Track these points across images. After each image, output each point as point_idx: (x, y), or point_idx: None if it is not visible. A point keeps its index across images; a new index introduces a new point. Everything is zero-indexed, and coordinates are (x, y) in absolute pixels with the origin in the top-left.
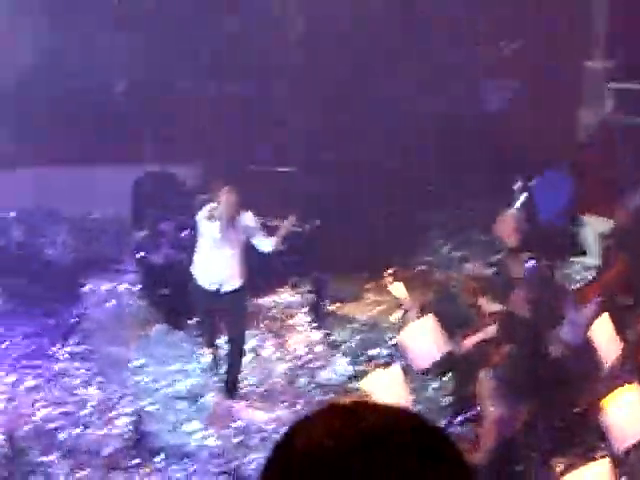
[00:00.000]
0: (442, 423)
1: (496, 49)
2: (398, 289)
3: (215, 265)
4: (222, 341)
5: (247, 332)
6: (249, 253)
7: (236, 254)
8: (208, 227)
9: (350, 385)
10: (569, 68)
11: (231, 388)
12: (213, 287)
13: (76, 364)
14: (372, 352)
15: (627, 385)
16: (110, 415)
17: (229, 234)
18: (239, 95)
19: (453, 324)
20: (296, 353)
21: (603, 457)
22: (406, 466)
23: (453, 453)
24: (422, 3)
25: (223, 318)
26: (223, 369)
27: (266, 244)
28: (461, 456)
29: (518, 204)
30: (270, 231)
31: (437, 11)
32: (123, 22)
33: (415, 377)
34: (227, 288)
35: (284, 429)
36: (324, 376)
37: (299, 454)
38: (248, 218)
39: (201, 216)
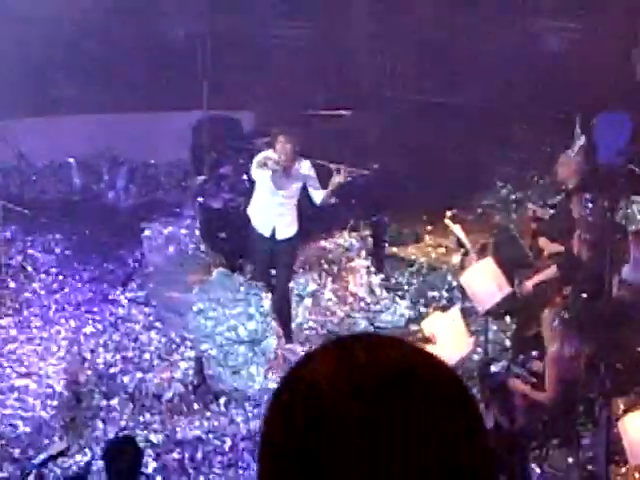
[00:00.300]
0: (504, 364)
1: None
2: (458, 231)
3: (269, 212)
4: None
5: (307, 276)
6: (308, 198)
7: (290, 202)
8: (261, 174)
9: (410, 328)
10: (630, 6)
11: (287, 331)
12: (267, 232)
13: (136, 309)
14: (432, 294)
15: None
16: (171, 359)
17: (283, 182)
18: (299, 38)
19: (513, 266)
20: (356, 296)
21: None
22: (409, 407)
23: (459, 393)
24: None
25: (274, 262)
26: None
27: (317, 197)
28: (468, 395)
29: (578, 145)
30: (329, 175)
31: None
32: None
33: (476, 319)
34: (280, 235)
35: None
36: (384, 319)
37: (299, 390)
38: (305, 166)
39: (255, 164)
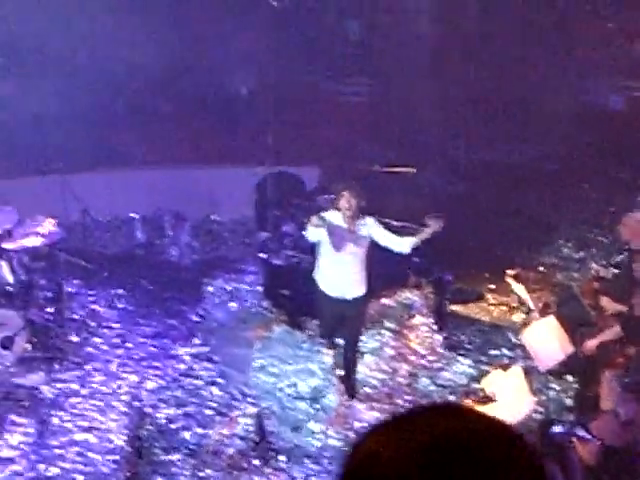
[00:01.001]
0: (565, 425)
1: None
2: (520, 290)
3: (336, 273)
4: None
5: (369, 332)
6: (372, 252)
7: (357, 260)
8: (318, 234)
9: (472, 386)
10: None
11: (351, 389)
12: (339, 294)
13: (198, 365)
14: (493, 353)
15: None
16: (232, 415)
17: (348, 240)
18: (363, 95)
19: (575, 325)
20: (417, 354)
21: None
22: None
23: (529, 462)
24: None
25: (342, 321)
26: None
27: (404, 244)
28: (534, 461)
29: None
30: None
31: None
32: (250, 25)
33: (537, 378)
34: (352, 295)
35: None
36: (445, 377)
37: (358, 462)
38: (370, 222)
39: (312, 223)
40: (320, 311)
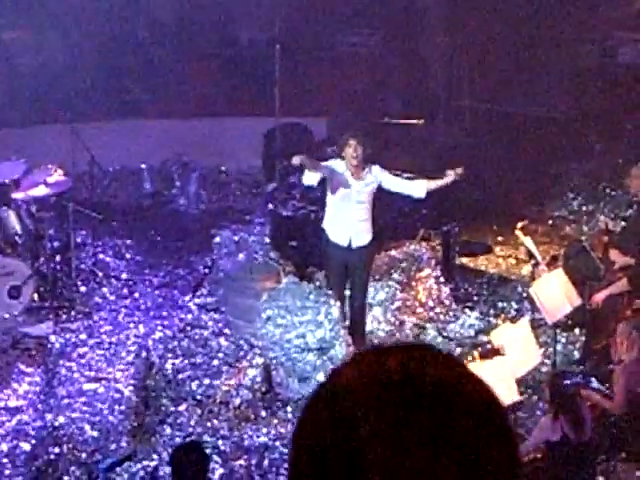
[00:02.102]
0: (577, 376)
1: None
2: (528, 242)
3: (344, 221)
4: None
5: (377, 285)
6: (380, 205)
7: (364, 208)
8: (336, 182)
9: (479, 338)
10: None
11: (359, 340)
12: (344, 242)
13: (206, 315)
14: (501, 305)
15: None
16: (240, 366)
17: (356, 188)
18: (371, 46)
19: (583, 278)
20: (425, 306)
21: None
22: (436, 419)
23: (490, 407)
24: None
25: (350, 271)
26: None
27: (419, 188)
28: (500, 411)
29: None
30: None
31: None
32: None
33: (545, 330)
34: (357, 243)
35: None
36: (453, 329)
37: (328, 397)
38: (376, 169)
39: (331, 170)
40: (327, 260)
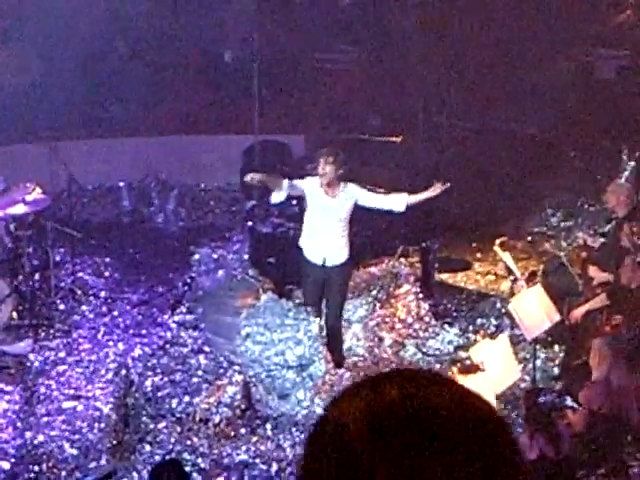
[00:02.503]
0: (552, 394)
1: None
2: (507, 258)
3: (318, 239)
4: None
5: (356, 301)
6: (358, 222)
7: (339, 227)
8: (310, 199)
9: (458, 354)
10: None
11: (337, 357)
12: (318, 261)
13: (185, 333)
14: (480, 322)
15: None
16: (219, 383)
17: (329, 206)
18: (350, 63)
19: (562, 293)
20: (404, 323)
21: None
22: (440, 448)
23: (497, 433)
24: None
25: (326, 288)
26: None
27: (398, 202)
28: (506, 435)
29: (627, 173)
30: None
31: None
32: None
33: (524, 347)
34: (332, 262)
35: None
36: (432, 346)
37: (330, 428)
38: (351, 187)
39: (305, 188)
40: (304, 277)
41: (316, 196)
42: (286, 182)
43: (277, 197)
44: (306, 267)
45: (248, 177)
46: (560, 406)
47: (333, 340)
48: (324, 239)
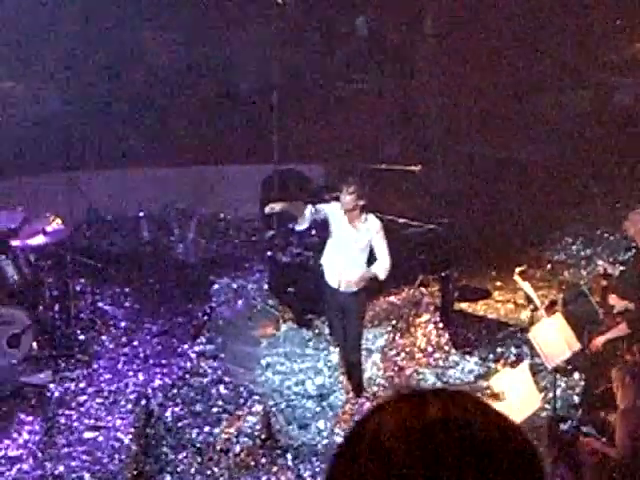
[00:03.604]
0: (572, 422)
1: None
2: (527, 287)
3: (335, 263)
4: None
5: (376, 330)
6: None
7: (357, 255)
8: (333, 224)
9: (479, 384)
10: None
11: (357, 387)
12: (334, 284)
13: (205, 363)
14: (500, 350)
15: None
16: (239, 413)
17: (349, 234)
18: (369, 92)
19: (582, 322)
20: (424, 352)
21: None
22: (473, 468)
23: (528, 457)
24: None
25: (344, 314)
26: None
27: (381, 268)
28: (536, 460)
29: None
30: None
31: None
32: (255, 22)
33: (544, 375)
34: (346, 288)
35: None
36: (452, 375)
37: (366, 441)
38: (375, 226)
39: (328, 213)
40: (325, 302)
41: (338, 222)
42: (309, 207)
43: (301, 223)
44: (325, 289)
45: (268, 208)
46: (581, 434)
47: (353, 370)
48: (341, 264)
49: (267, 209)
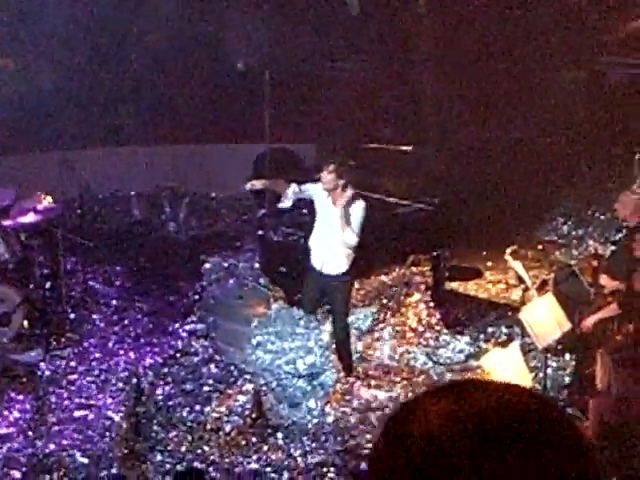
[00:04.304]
0: (562, 402)
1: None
2: (518, 267)
3: (319, 244)
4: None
5: (366, 310)
6: (370, 231)
7: (339, 236)
8: (316, 204)
9: (469, 363)
10: None
11: (347, 367)
12: (317, 266)
13: (196, 342)
14: (491, 330)
15: None
16: (230, 392)
17: (332, 215)
18: (361, 71)
19: (574, 302)
20: (415, 331)
21: None
22: (525, 452)
23: (573, 436)
24: None
25: (327, 296)
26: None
27: (348, 237)
28: (582, 439)
29: (638, 183)
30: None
31: None
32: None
33: (535, 355)
34: (328, 270)
35: None
36: (443, 355)
37: (416, 438)
38: (359, 206)
39: (312, 192)
40: (305, 282)
41: (321, 201)
42: (293, 186)
43: (284, 202)
44: (308, 270)
45: (249, 184)
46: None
47: (342, 349)
48: (324, 245)
49: (248, 185)
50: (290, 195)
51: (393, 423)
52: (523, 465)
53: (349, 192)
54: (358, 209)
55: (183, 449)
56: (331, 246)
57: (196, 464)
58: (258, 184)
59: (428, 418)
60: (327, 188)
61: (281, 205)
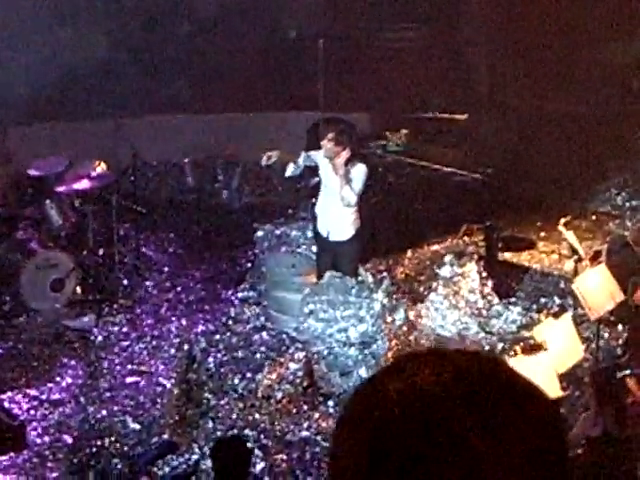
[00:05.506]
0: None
1: None
2: (572, 238)
3: (323, 212)
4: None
5: (420, 278)
6: (422, 200)
7: (341, 203)
8: (321, 171)
9: (522, 334)
10: None
11: None
12: (324, 232)
13: (248, 310)
14: (544, 301)
15: None
16: (281, 360)
17: (334, 183)
18: (415, 40)
19: (627, 273)
20: (467, 302)
21: None
22: (484, 424)
23: (537, 403)
24: None
25: (337, 263)
26: (395, 316)
27: (348, 194)
28: (547, 406)
29: None
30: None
31: None
32: None
33: (587, 326)
34: (334, 237)
35: None
36: (495, 325)
37: (393, 396)
38: (360, 169)
39: (317, 159)
40: (317, 249)
41: (324, 169)
42: (303, 154)
43: (291, 169)
44: (317, 237)
45: (265, 157)
46: (623, 378)
47: None
48: (327, 212)
49: (264, 159)
50: (300, 162)
51: (353, 404)
52: (483, 437)
53: (345, 153)
54: (358, 171)
55: (234, 416)
56: (335, 213)
57: (247, 431)
58: (274, 155)
59: (386, 397)
60: (327, 156)
61: (287, 173)
